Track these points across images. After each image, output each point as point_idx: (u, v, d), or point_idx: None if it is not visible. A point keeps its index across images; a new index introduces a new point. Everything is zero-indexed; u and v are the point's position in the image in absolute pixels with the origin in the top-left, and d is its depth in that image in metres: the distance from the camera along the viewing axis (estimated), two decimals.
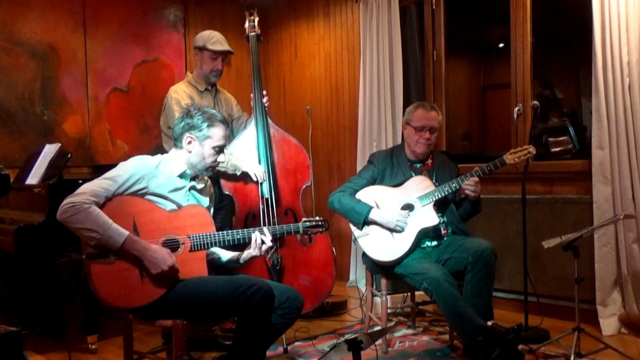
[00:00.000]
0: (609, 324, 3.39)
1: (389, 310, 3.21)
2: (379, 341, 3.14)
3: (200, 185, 2.56)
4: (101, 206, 2.24)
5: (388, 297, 3.15)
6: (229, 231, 2.45)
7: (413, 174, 3.17)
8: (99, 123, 4.52)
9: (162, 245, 2.32)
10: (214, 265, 2.58)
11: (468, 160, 3.86)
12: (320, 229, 2.62)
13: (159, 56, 4.81)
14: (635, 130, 3.30)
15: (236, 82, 5.18)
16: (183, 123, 2.47)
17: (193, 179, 2.54)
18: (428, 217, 3.03)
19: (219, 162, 2.52)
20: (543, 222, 3.70)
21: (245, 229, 2.49)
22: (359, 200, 3.10)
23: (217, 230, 2.45)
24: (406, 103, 4.38)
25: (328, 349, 3.20)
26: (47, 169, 3.44)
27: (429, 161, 3.23)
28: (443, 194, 3.03)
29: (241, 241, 2.47)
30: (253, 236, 2.47)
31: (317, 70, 5.15)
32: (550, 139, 4.20)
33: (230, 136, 3.35)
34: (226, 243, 2.44)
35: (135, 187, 2.34)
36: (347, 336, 3.35)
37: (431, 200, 3.03)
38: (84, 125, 4.45)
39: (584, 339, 2.97)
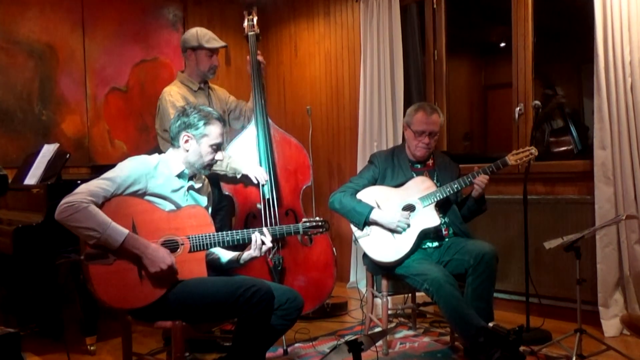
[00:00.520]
0: (611, 325, 3.38)
1: (389, 312, 3.20)
2: (380, 342, 3.12)
3: (198, 185, 2.55)
4: (100, 207, 2.23)
5: (389, 298, 3.14)
6: (229, 232, 2.44)
7: (414, 175, 3.15)
8: (97, 123, 4.51)
9: (161, 246, 2.30)
10: (214, 265, 2.57)
11: (469, 161, 3.84)
12: (321, 230, 2.61)
13: (158, 56, 4.79)
14: (638, 130, 3.28)
15: (236, 82, 5.16)
16: (179, 122, 2.45)
17: (191, 178, 2.53)
18: (429, 218, 3.01)
19: (216, 160, 2.51)
20: (544, 222, 3.69)
21: (245, 230, 2.47)
22: (360, 201, 3.09)
23: (217, 230, 2.43)
24: (407, 103, 4.37)
25: (328, 351, 3.19)
26: (45, 169, 3.43)
27: (430, 161, 3.22)
28: (444, 195, 3.01)
29: (241, 242, 2.45)
30: (253, 237, 2.46)
31: (317, 70, 5.14)
32: (552, 139, 4.19)
33: (227, 130, 3.33)
34: (226, 244, 2.42)
35: (134, 187, 2.33)
36: (347, 337, 3.36)
37: (432, 201, 3.01)
38: (83, 125, 4.43)
39: (585, 340, 2.96)
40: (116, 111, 4.61)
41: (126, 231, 2.21)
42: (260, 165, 3.33)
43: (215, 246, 2.41)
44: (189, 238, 2.36)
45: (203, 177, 2.63)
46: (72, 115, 4.38)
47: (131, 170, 2.35)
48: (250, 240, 2.46)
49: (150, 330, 3.47)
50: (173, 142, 2.49)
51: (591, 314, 3.43)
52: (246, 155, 3.35)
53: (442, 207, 3.10)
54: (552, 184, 3.77)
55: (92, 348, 3.25)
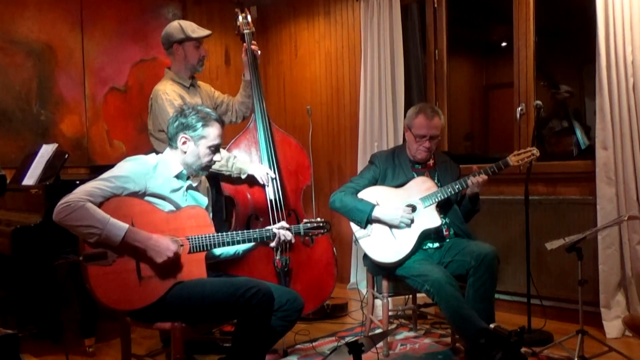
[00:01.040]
0: (613, 327, 3.37)
1: (390, 313, 3.19)
2: (380, 344, 3.11)
3: (195, 183, 2.54)
4: (98, 207, 2.22)
5: (389, 299, 3.13)
6: (229, 232, 2.43)
7: (415, 175, 3.14)
8: (96, 123, 4.49)
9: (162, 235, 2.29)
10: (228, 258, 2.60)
11: (470, 161, 3.82)
12: (322, 231, 2.60)
13: (157, 55, 4.76)
14: None
15: (236, 81, 5.10)
16: (177, 123, 2.44)
17: (189, 178, 2.51)
18: (430, 218, 3.00)
19: (214, 161, 2.49)
20: (546, 223, 3.68)
21: (245, 231, 2.47)
22: (361, 199, 3.07)
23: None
24: (407, 103, 4.36)
25: (328, 352, 3.18)
26: (44, 169, 3.42)
27: (431, 161, 3.21)
28: (446, 195, 3.00)
29: (241, 243, 2.45)
30: (280, 233, 2.47)
31: (318, 69, 5.12)
32: (554, 139, 4.19)
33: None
34: (226, 244, 2.41)
35: (133, 188, 2.32)
36: (347, 339, 3.34)
37: (434, 201, 3.00)
38: (82, 125, 4.42)
39: (587, 341, 2.94)
40: (115, 111, 4.59)
41: (126, 225, 2.20)
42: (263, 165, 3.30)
43: (215, 247, 2.40)
44: (188, 239, 2.35)
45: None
46: (71, 115, 4.37)
47: (129, 170, 2.34)
48: (249, 240, 2.46)
49: (149, 332, 3.46)
50: (171, 142, 2.47)
51: (593, 315, 3.42)
52: (247, 155, 3.32)
53: (443, 207, 3.09)
54: (554, 184, 3.76)
55: (90, 349, 3.24)
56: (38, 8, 4.21)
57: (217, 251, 2.58)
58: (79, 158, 4.36)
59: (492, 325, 2.67)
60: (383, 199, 3.07)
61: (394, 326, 3.66)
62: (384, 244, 3.01)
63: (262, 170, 3.21)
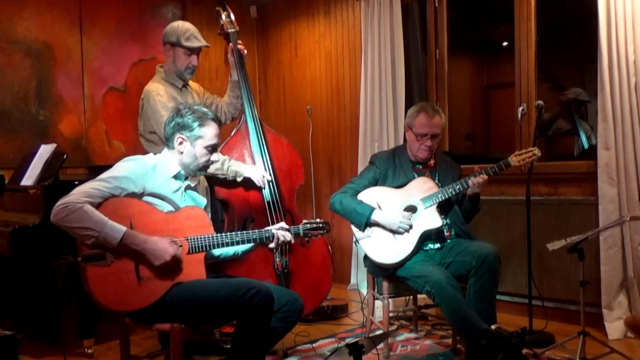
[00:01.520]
0: (614, 328, 3.36)
1: (390, 314, 3.17)
2: (381, 345, 3.11)
3: (194, 183, 2.53)
4: (96, 207, 2.20)
5: (390, 300, 3.11)
6: (228, 233, 2.41)
7: (416, 175, 3.13)
8: (95, 123, 4.48)
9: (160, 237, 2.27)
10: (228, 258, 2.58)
11: (471, 161, 3.82)
12: (322, 231, 2.58)
13: (156, 55, 4.74)
14: None
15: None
16: (173, 123, 2.42)
17: (187, 178, 2.50)
18: (431, 219, 2.99)
19: (212, 161, 2.47)
20: (548, 224, 3.67)
21: (245, 231, 2.45)
22: (361, 202, 3.06)
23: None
24: (408, 103, 4.35)
25: (329, 354, 3.15)
26: (42, 170, 3.41)
27: (432, 161, 3.19)
28: (447, 196, 2.98)
29: (240, 243, 2.43)
30: (279, 234, 2.46)
31: (318, 69, 5.11)
32: (560, 140, 4.19)
33: None
34: (225, 245, 2.40)
35: (131, 188, 2.30)
36: (348, 340, 3.29)
37: (434, 202, 2.99)
38: (80, 125, 4.40)
39: (589, 343, 2.93)
40: (114, 111, 4.57)
41: (124, 228, 2.19)
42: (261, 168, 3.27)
43: (214, 248, 2.39)
44: (187, 239, 2.34)
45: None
46: (70, 115, 4.35)
47: (128, 170, 2.32)
48: (249, 241, 2.44)
49: (148, 333, 3.45)
50: (167, 143, 2.46)
51: (595, 317, 3.41)
52: (240, 157, 3.28)
53: (443, 208, 3.08)
54: (555, 185, 3.75)
55: (89, 351, 3.23)
56: (37, 7, 4.19)
57: (217, 252, 2.56)
58: (78, 158, 4.34)
59: (493, 327, 2.66)
60: (384, 199, 3.05)
61: (394, 327, 3.65)
62: (385, 245, 3.00)
63: (259, 173, 3.18)
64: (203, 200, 2.57)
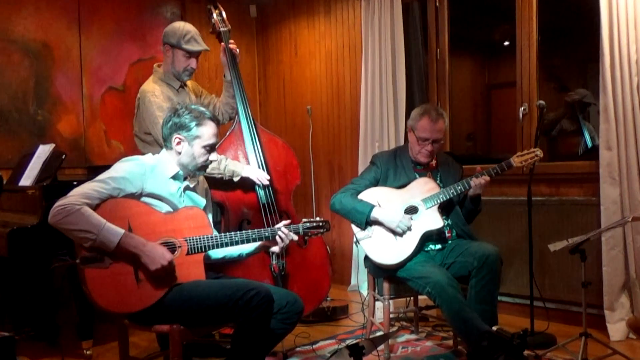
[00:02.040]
0: (616, 329, 3.36)
1: (391, 315, 3.16)
2: (381, 347, 3.09)
3: (193, 183, 2.51)
4: (94, 209, 2.20)
5: (390, 301, 3.10)
6: (227, 234, 2.40)
7: (417, 176, 3.11)
8: (94, 123, 4.46)
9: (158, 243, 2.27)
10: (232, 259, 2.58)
11: (472, 162, 3.81)
12: (321, 230, 2.57)
13: (155, 54, 4.73)
14: None
15: None
16: (171, 123, 2.40)
17: (185, 178, 2.49)
18: (432, 220, 2.97)
19: (211, 161, 2.46)
20: (549, 224, 3.66)
21: (244, 232, 2.44)
22: (361, 200, 3.05)
23: None
24: (409, 103, 4.35)
25: (329, 355, 3.16)
26: (41, 170, 3.40)
27: (433, 162, 3.18)
28: (448, 197, 2.97)
29: (239, 244, 2.42)
30: (281, 233, 2.45)
31: (318, 69, 5.09)
32: (564, 140, 4.18)
33: None
34: (224, 246, 2.38)
35: (130, 189, 2.29)
36: (348, 342, 3.33)
37: (436, 202, 2.97)
38: (79, 125, 4.39)
39: (591, 344, 2.92)
40: (113, 111, 4.56)
41: (122, 231, 2.18)
42: (259, 167, 3.24)
43: (213, 248, 2.38)
44: (186, 240, 2.33)
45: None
46: (68, 115, 4.34)
47: (126, 171, 2.31)
48: (248, 241, 2.43)
49: (147, 334, 3.43)
50: (165, 143, 2.45)
51: (597, 318, 3.41)
52: (234, 158, 3.25)
53: (445, 208, 3.07)
54: (557, 185, 3.74)
55: (88, 352, 3.22)
56: (35, 7, 4.18)
57: (221, 253, 2.55)
58: (77, 158, 4.33)
59: (494, 328, 2.65)
60: (385, 200, 3.04)
61: (395, 329, 3.64)
62: (385, 246, 2.98)
63: (256, 172, 3.16)
64: (202, 201, 2.55)
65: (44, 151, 3.49)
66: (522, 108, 3.63)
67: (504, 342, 2.49)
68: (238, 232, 2.42)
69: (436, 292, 2.75)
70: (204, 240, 2.34)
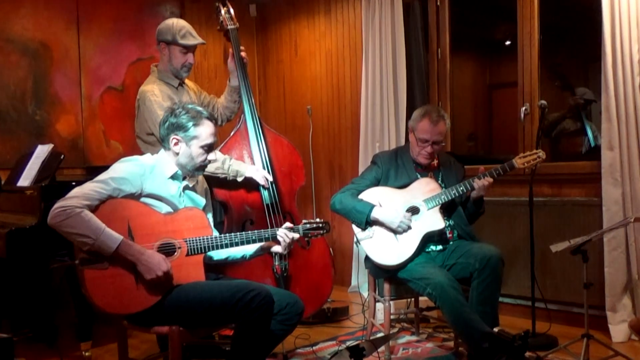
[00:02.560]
0: (619, 331, 3.35)
1: (392, 316, 3.16)
2: (382, 348, 3.08)
3: (192, 183, 2.50)
4: (94, 210, 2.19)
5: (391, 302, 3.09)
6: (227, 234, 2.39)
7: (419, 176, 3.10)
8: (92, 123, 4.45)
9: (157, 250, 2.26)
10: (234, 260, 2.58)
11: (473, 162, 3.79)
12: (321, 231, 2.55)
13: (154, 54, 4.69)
14: None
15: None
16: (167, 123, 2.39)
17: (184, 178, 2.48)
18: (433, 220, 2.96)
19: (209, 161, 2.45)
20: (551, 225, 3.65)
21: (244, 233, 2.43)
22: (361, 200, 3.04)
23: None
24: (410, 102, 4.34)
25: (329, 356, 3.15)
26: (39, 170, 3.38)
27: (435, 162, 3.16)
28: (449, 198, 2.96)
29: (239, 245, 2.41)
30: (282, 233, 2.43)
31: (318, 68, 5.08)
32: (567, 140, 4.17)
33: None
34: (224, 247, 2.38)
35: (129, 189, 2.28)
36: (348, 343, 3.33)
37: (437, 203, 2.96)
38: (78, 125, 4.37)
39: (593, 345, 2.92)
40: (112, 111, 4.54)
41: (120, 237, 2.17)
42: (263, 168, 3.23)
43: (213, 249, 2.37)
44: (186, 241, 2.32)
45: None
46: (67, 115, 4.32)
47: (126, 171, 2.30)
48: (248, 242, 2.42)
49: (146, 336, 3.42)
50: (163, 143, 2.44)
51: (598, 319, 3.40)
52: (239, 158, 3.23)
53: (447, 209, 3.05)
54: (559, 186, 3.73)
55: (87, 354, 3.20)
56: (34, 6, 4.16)
57: (224, 254, 2.53)
58: (75, 159, 4.31)
59: (495, 329, 2.65)
60: (386, 200, 3.03)
61: (395, 330, 3.64)
62: (386, 246, 2.97)
63: (260, 172, 3.14)
64: (202, 201, 2.55)
65: (42, 151, 3.48)
66: (524, 108, 3.62)
67: (506, 344, 2.48)
68: (238, 233, 2.41)
69: (437, 294, 2.75)
70: (203, 241, 2.33)
